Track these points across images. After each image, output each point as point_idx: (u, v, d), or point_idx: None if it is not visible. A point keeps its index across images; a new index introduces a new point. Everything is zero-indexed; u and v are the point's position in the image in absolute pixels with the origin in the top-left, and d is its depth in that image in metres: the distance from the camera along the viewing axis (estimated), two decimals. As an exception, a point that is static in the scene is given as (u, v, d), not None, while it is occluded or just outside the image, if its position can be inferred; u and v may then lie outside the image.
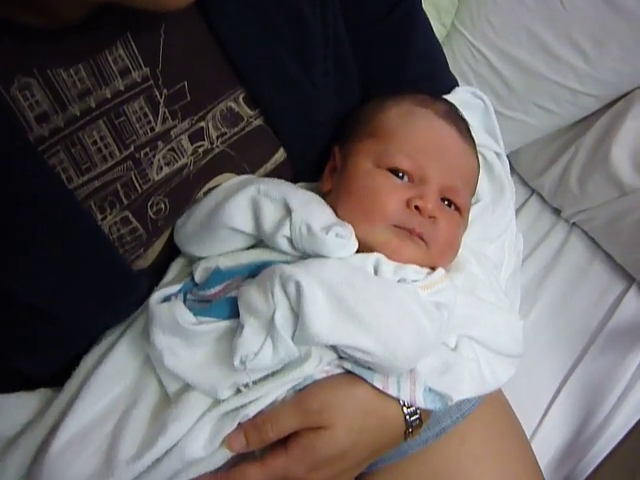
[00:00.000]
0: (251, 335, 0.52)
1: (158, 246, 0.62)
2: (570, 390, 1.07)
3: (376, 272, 0.57)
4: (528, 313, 1.17)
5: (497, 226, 0.74)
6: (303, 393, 0.56)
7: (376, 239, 0.60)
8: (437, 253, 0.62)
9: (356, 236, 0.59)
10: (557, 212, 1.34)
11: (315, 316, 0.51)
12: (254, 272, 0.57)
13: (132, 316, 0.62)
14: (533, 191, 1.38)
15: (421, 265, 0.60)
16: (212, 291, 0.59)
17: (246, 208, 0.59)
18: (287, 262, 0.56)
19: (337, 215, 0.61)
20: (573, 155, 1.24)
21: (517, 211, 1.31)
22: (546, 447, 0.99)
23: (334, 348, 0.56)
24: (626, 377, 1.07)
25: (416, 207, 0.60)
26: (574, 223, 1.31)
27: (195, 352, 0.54)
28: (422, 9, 0.75)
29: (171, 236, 0.64)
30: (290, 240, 0.58)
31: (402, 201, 0.60)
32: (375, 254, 0.58)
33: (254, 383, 0.54)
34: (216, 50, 0.60)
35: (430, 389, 0.57)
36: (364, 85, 0.72)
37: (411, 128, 0.65)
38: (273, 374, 0.55)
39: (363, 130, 0.67)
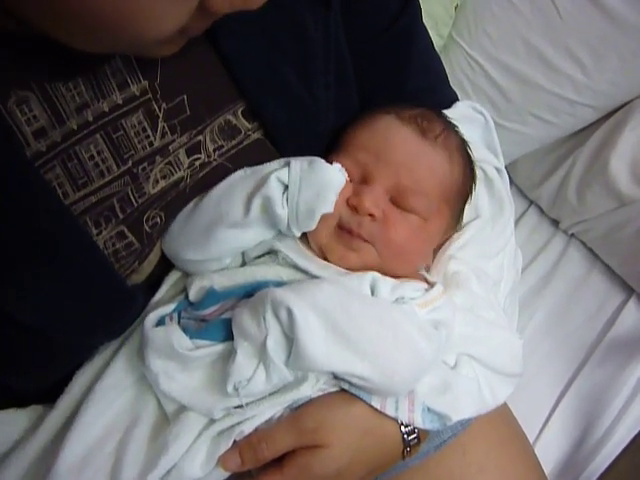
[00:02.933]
0: (244, 361, 0.52)
1: (154, 258, 0.62)
2: (569, 402, 1.07)
3: (373, 292, 0.56)
4: (527, 324, 1.16)
5: (496, 243, 0.73)
6: (299, 412, 0.55)
7: (322, 242, 0.61)
8: (390, 257, 0.61)
9: (312, 242, 0.61)
10: (555, 223, 1.34)
11: (309, 343, 0.50)
12: (249, 292, 0.57)
13: (127, 330, 0.61)
14: (531, 202, 1.38)
15: (378, 271, 0.60)
16: (207, 311, 0.58)
17: (238, 184, 0.59)
18: (282, 283, 0.56)
19: None
20: (571, 166, 1.24)
21: (515, 222, 1.29)
22: (546, 459, 0.97)
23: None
24: (626, 389, 1.06)
25: (352, 206, 0.60)
26: (572, 234, 1.31)
27: (191, 375, 0.54)
28: (422, 23, 0.75)
29: None
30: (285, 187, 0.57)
31: (342, 200, 0.60)
32: (371, 273, 0.57)
33: (249, 404, 0.54)
34: (216, 63, 0.59)
35: (429, 409, 0.56)
36: (364, 99, 0.72)
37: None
38: (270, 394, 0.54)
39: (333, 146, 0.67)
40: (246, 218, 0.57)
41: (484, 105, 1.20)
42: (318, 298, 0.52)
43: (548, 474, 0.95)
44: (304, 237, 0.61)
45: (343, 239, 0.60)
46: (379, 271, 0.59)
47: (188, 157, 0.60)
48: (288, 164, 0.58)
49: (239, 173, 0.61)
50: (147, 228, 0.59)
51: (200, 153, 0.61)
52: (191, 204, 0.61)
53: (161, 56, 0.48)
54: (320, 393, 0.55)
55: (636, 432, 0.91)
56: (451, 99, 0.80)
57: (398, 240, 0.61)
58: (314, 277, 0.58)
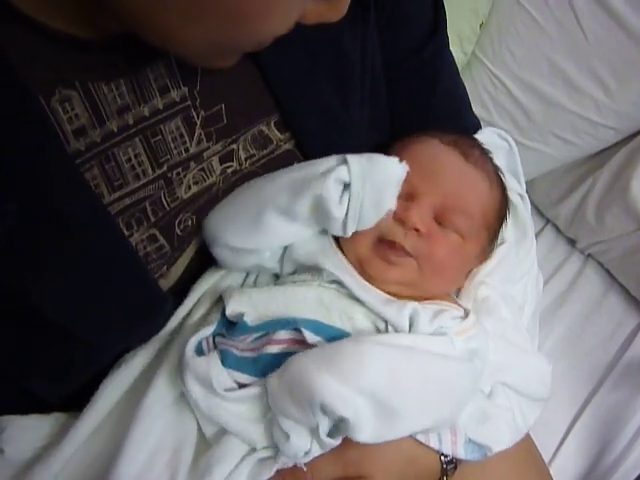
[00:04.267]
0: (297, 440, 0.51)
1: (181, 264, 0.61)
2: (585, 423, 1.06)
3: (412, 323, 0.56)
4: (542, 344, 1.15)
5: (521, 267, 0.74)
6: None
7: (361, 255, 0.60)
8: (429, 273, 0.61)
9: (351, 254, 0.60)
10: (572, 242, 1.33)
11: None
12: (281, 327, 0.56)
13: (157, 340, 0.61)
14: (548, 221, 1.38)
15: (415, 288, 0.60)
16: (241, 339, 0.57)
17: (287, 174, 0.59)
18: (316, 323, 0.55)
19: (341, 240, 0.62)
20: (591, 186, 1.23)
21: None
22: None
23: None
24: (641, 413, 1.05)
25: (400, 219, 0.60)
26: (589, 254, 1.30)
27: (230, 407, 0.53)
28: (449, 49, 0.76)
29: (195, 254, 0.63)
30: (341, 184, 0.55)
31: (389, 214, 0.59)
32: (411, 304, 0.57)
33: None
34: (255, 74, 0.60)
35: (470, 440, 0.57)
36: (392, 120, 0.73)
37: (409, 152, 0.65)
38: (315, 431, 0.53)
39: None
40: (294, 207, 0.56)
41: (506, 123, 1.22)
42: (364, 381, 0.50)
43: (562, 497, 0.95)
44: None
45: (384, 252, 0.60)
46: (416, 289, 0.60)
47: (221, 164, 0.61)
48: (344, 161, 0.56)
49: (290, 167, 0.61)
50: (179, 231, 0.59)
51: (232, 161, 0.61)
52: (235, 192, 0.60)
53: (220, 67, 0.49)
54: None
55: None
56: (476, 125, 0.81)
57: (439, 256, 0.61)
58: (356, 299, 0.58)
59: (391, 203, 0.57)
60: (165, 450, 0.55)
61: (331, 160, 0.58)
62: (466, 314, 0.60)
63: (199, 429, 0.56)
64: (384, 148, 0.67)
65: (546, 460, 0.97)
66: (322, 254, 0.61)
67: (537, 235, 1.35)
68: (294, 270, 0.63)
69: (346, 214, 0.56)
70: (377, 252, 0.60)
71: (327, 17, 0.46)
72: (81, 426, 0.56)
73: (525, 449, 0.76)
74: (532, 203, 1.35)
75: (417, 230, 0.60)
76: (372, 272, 0.60)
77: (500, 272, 0.69)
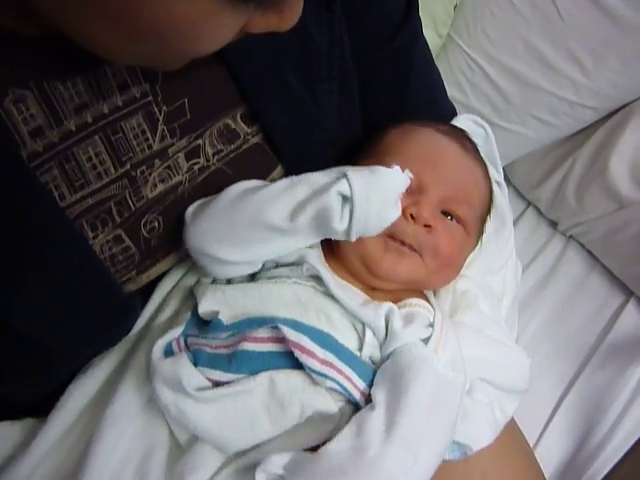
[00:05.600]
0: None
1: (154, 274, 0.60)
2: (570, 404, 1.06)
3: (387, 322, 0.56)
4: (526, 326, 1.16)
5: (500, 257, 0.74)
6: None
7: (368, 251, 0.59)
8: (435, 268, 0.61)
9: (353, 253, 0.60)
10: (554, 224, 1.33)
11: None
12: (258, 326, 0.54)
13: (124, 343, 0.59)
14: (529, 203, 1.38)
15: (421, 284, 0.60)
16: (216, 339, 0.56)
17: (284, 191, 0.56)
18: (294, 322, 0.53)
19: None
20: (570, 167, 1.23)
21: (513, 224, 1.30)
22: (546, 463, 0.97)
23: (353, 405, 0.54)
24: (626, 391, 1.06)
25: (411, 215, 0.59)
26: (571, 236, 1.30)
27: (203, 410, 0.52)
28: (422, 35, 0.75)
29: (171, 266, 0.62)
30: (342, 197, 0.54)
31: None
32: (387, 304, 0.56)
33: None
34: (219, 66, 0.58)
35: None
36: (365, 109, 0.72)
37: (409, 143, 0.65)
38: (295, 435, 0.52)
39: (364, 154, 0.66)
40: (291, 225, 0.54)
41: (483, 106, 1.21)
42: None
43: (549, 478, 0.95)
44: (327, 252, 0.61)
45: (393, 248, 0.59)
46: (421, 285, 0.60)
47: (187, 161, 0.59)
48: (344, 175, 0.54)
49: (285, 181, 0.57)
50: (145, 233, 0.58)
51: (199, 157, 0.60)
52: (223, 202, 0.57)
53: (173, 69, 0.48)
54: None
55: (637, 435, 0.90)
56: (451, 111, 0.81)
57: (446, 251, 0.61)
58: (331, 296, 0.57)
59: (397, 213, 0.55)
60: (134, 458, 0.54)
61: (331, 174, 0.56)
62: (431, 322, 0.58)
63: (171, 434, 0.55)
64: (374, 139, 0.67)
65: (532, 442, 0.98)
66: (305, 250, 0.60)
67: (518, 218, 1.35)
68: (274, 266, 0.62)
69: (349, 225, 0.54)
70: (385, 248, 0.59)
71: (276, 27, 0.45)
72: (48, 432, 0.55)
73: (508, 433, 0.76)
74: (512, 186, 1.37)
75: (427, 226, 0.60)
76: (380, 269, 0.59)
77: (480, 263, 0.69)
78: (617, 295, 1.23)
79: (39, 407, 0.58)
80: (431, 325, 0.58)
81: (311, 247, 0.60)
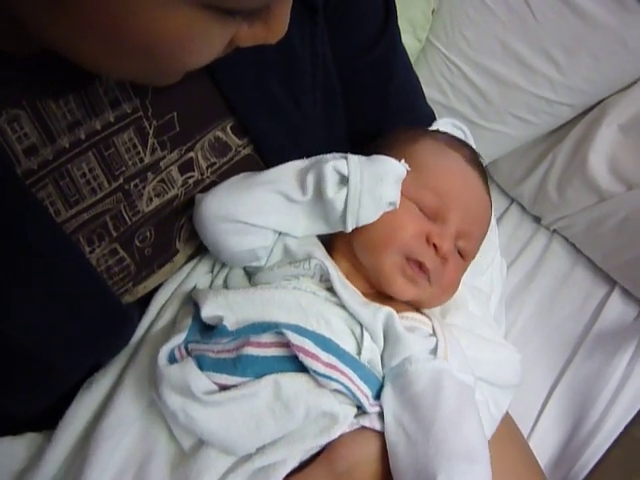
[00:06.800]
0: None
1: (151, 284, 0.61)
2: (561, 395, 1.08)
3: (386, 328, 0.57)
4: (515, 320, 1.18)
5: (486, 257, 0.75)
6: (331, 454, 0.53)
7: (385, 267, 0.60)
8: (437, 295, 0.63)
9: (367, 263, 0.61)
10: (537, 220, 1.36)
11: None
12: (263, 331, 0.55)
13: (124, 354, 0.60)
14: (513, 200, 1.40)
15: (420, 305, 0.62)
16: (220, 343, 0.56)
17: (294, 166, 0.60)
18: (297, 327, 0.54)
19: (350, 235, 0.61)
20: (551, 163, 1.26)
21: (497, 220, 1.32)
22: (540, 452, 0.98)
23: (356, 407, 0.55)
24: (615, 379, 1.08)
25: (434, 244, 0.60)
26: (554, 230, 1.33)
27: (211, 414, 0.52)
28: (401, 42, 0.77)
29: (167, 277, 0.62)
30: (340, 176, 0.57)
31: (422, 234, 0.61)
32: (386, 308, 0.57)
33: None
34: (206, 80, 0.60)
35: None
36: (348, 117, 0.73)
37: (443, 168, 0.66)
38: (300, 437, 0.53)
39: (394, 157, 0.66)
40: (302, 197, 0.58)
41: (464, 106, 1.23)
42: None
43: (544, 467, 0.97)
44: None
45: (410, 272, 0.60)
46: (418, 305, 0.62)
47: (182, 175, 0.60)
48: (345, 157, 0.58)
49: (297, 160, 0.61)
50: (137, 243, 0.59)
51: (193, 171, 0.61)
52: (239, 176, 0.60)
53: (166, 84, 0.49)
54: (347, 430, 0.54)
55: (627, 421, 0.92)
56: (430, 115, 0.83)
57: (451, 282, 0.64)
58: (331, 302, 0.58)
59: (392, 197, 0.58)
60: (131, 467, 0.53)
61: (336, 155, 0.60)
62: (433, 331, 0.60)
63: (170, 440, 0.54)
64: (399, 149, 0.67)
65: (525, 434, 0.99)
66: (314, 246, 0.61)
67: (502, 215, 1.38)
68: (279, 260, 0.62)
69: (345, 206, 0.57)
70: (402, 270, 0.60)
71: (263, 40, 0.46)
72: (56, 447, 0.55)
73: (503, 426, 0.78)
74: (495, 184, 1.39)
75: (444, 259, 0.61)
76: (391, 288, 0.60)
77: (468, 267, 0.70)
78: (601, 285, 1.26)
79: (39, 420, 0.58)
80: (432, 335, 0.59)
81: (318, 247, 0.61)
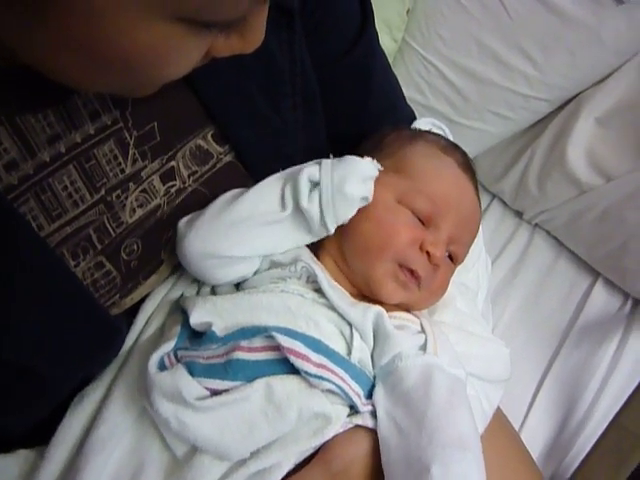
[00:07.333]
0: None
1: (138, 296, 0.61)
2: (550, 386, 1.09)
3: (376, 327, 0.57)
4: (502, 315, 1.19)
5: (471, 255, 0.76)
6: (327, 454, 0.54)
7: (376, 273, 0.61)
8: (425, 298, 0.64)
9: (358, 268, 0.62)
10: (519, 215, 1.37)
11: None
12: (252, 336, 0.55)
13: (114, 367, 0.59)
14: (494, 196, 1.41)
15: (408, 307, 0.63)
16: (210, 349, 0.56)
17: (273, 183, 0.61)
18: (286, 329, 0.54)
19: (342, 240, 0.63)
20: (530, 158, 1.27)
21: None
22: (532, 445, 0.99)
23: (348, 406, 0.56)
24: (602, 368, 1.10)
25: (427, 252, 0.61)
26: (536, 224, 1.34)
27: (204, 420, 0.52)
28: (379, 45, 0.78)
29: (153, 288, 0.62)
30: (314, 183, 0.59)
31: (416, 241, 0.61)
32: (375, 307, 0.58)
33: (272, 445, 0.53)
34: (186, 89, 0.60)
35: None
36: (329, 120, 0.74)
37: (438, 174, 0.66)
38: (293, 439, 0.53)
39: (386, 161, 0.65)
40: (283, 213, 0.59)
41: (442, 105, 1.24)
42: None
43: (536, 459, 0.97)
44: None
45: (402, 278, 0.61)
46: (406, 308, 0.62)
47: (163, 184, 0.60)
48: (318, 163, 0.60)
49: (275, 175, 0.62)
50: (124, 255, 0.59)
51: (175, 180, 0.61)
52: (217, 205, 0.60)
53: (144, 95, 0.49)
54: (341, 430, 0.55)
55: (615, 410, 0.93)
56: (410, 115, 0.83)
57: (440, 286, 0.65)
58: (319, 303, 0.59)
59: (362, 192, 0.59)
60: (125, 478, 0.53)
61: (310, 163, 0.61)
62: (422, 328, 0.61)
63: (163, 449, 0.54)
64: (390, 151, 0.68)
65: (516, 427, 1.00)
66: (299, 249, 0.62)
67: (484, 211, 1.39)
68: (267, 267, 0.63)
69: (321, 210, 0.58)
70: (394, 276, 0.61)
71: (240, 50, 0.46)
72: (49, 464, 0.55)
73: (495, 420, 0.78)
74: (477, 180, 1.39)
75: (436, 265, 0.62)
76: (380, 292, 0.61)
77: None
78: (585, 277, 1.27)
79: (31, 437, 0.58)
80: (421, 332, 0.60)
81: (303, 250, 0.62)
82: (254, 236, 0.59)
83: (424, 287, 0.62)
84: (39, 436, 0.57)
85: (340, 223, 0.60)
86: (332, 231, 0.60)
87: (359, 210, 0.60)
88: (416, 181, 0.64)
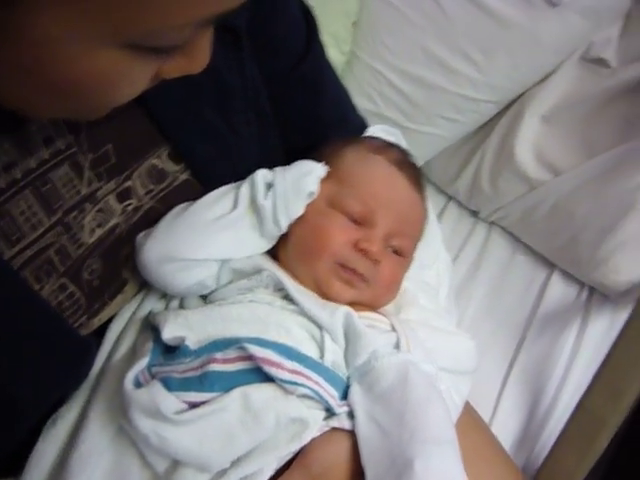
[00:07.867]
0: None
1: (105, 316, 0.62)
2: (516, 378, 1.11)
3: (347, 327, 0.59)
4: (465, 311, 1.21)
5: (429, 251, 0.78)
6: (306, 458, 0.55)
7: (319, 275, 0.63)
8: (379, 294, 0.66)
9: (301, 272, 0.63)
10: (475, 214, 1.40)
11: None
12: (225, 347, 0.56)
13: (84, 388, 0.59)
14: (450, 197, 1.44)
15: (365, 305, 0.64)
16: (184, 362, 0.56)
17: (229, 188, 0.65)
18: (258, 339, 0.55)
19: (287, 249, 0.65)
20: (481, 158, 1.30)
21: (438, 218, 1.35)
22: (503, 436, 1.00)
23: (324, 409, 0.57)
24: (564, 356, 1.12)
25: (362, 249, 0.63)
26: (492, 222, 1.37)
27: (183, 433, 0.52)
28: (327, 58, 0.80)
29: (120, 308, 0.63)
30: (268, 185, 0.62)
31: (350, 241, 0.64)
32: (344, 307, 0.60)
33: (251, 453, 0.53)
34: (139, 110, 0.61)
35: None
36: (282, 134, 0.76)
37: (366, 174, 0.68)
38: (273, 446, 0.54)
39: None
40: (236, 212, 0.61)
41: (393, 112, 1.27)
42: None
43: (508, 449, 0.99)
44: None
45: (344, 277, 0.63)
46: (365, 304, 0.64)
47: (120, 203, 0.61)
48: (273, 170, 0.64)
49: (229, 184, 0.65)
50: (86, 275, 0.59)
51: (132, 198, 0.62)
52: (174, 213, 0.62)
53: (96, 118, 0.50)
54: (318, 434, 0.55)
55: (580, 394, 0.96)
56: (362, 125, 0.85)
57: (390, 280, 0.67)
58: (288, 310, 0.60)
59: (311, 187, 0.63)
60: None
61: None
62: (392, 327, 0.62)
63: (143, 466, 0.54)
64: (328, 158, 0.70)
65: (486, 420, 1.02)
66: (261, 259, 0.64)
67: (441, 212, 1.41)
68: (229, 281, 0.64)
69: (274, 205, 0.61)
70: (337, 276, 0.63)
71: (188, 70, 0.47)
72: None
73: (465, 414, 0.80)
74: (432, 183, 1.43)
75: (376, 261, 0.64)
76: (330, 292, 0.63)
77: (412, 263, 0.73)
78: (542, 269, 1.30)
79: (6, 466, 0.57)
80: (391, 330, 0.61)
81: (265, 259, 0.64)
82: (210, 239, 0.61)
83: (373, 283, 0.64)
84: (11, 465, 0.57)
85: (291, 220, 0.62)
86: (284, 229, 0.62)
87: (297, 218, 0.63)
88: (345, 184, 0.67)
